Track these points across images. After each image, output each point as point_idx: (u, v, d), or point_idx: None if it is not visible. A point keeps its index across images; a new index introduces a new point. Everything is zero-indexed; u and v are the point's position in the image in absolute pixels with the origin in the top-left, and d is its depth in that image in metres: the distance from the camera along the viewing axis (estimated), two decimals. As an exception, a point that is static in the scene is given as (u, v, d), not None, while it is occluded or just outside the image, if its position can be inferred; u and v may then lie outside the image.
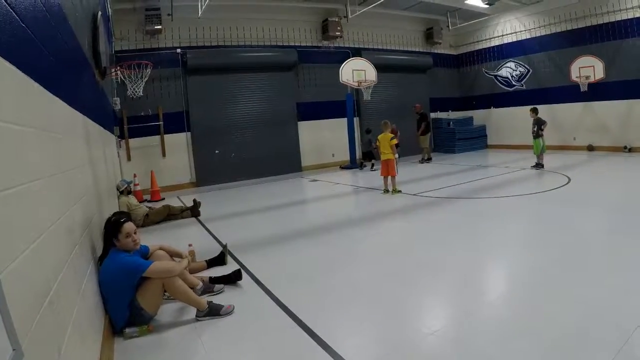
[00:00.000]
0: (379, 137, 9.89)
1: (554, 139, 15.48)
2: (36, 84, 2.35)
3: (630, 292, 3.73)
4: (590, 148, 15.35)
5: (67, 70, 3.59)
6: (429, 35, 19.27)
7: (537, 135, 11.64)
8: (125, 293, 3.76)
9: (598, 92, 14.87)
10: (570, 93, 15.59)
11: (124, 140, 12.95)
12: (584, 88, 14.92)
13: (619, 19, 14.41)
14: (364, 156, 15.59)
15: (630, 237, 5.35)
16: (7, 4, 1.81)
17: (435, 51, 19.77)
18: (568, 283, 4.09)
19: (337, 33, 16.20)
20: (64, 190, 2.91)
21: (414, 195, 9.37)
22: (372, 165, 14.80)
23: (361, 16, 15.80)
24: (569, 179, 9.68)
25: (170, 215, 8.86)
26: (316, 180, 12.87)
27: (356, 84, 15.04)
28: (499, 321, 3.54)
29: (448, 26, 18.81)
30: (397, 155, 9.64)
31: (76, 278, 2.85)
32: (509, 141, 17.95)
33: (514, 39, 17.96)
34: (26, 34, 2.16)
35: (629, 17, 14.13)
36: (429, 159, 15.80)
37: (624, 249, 4.94)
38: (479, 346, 3.15)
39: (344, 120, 15.85)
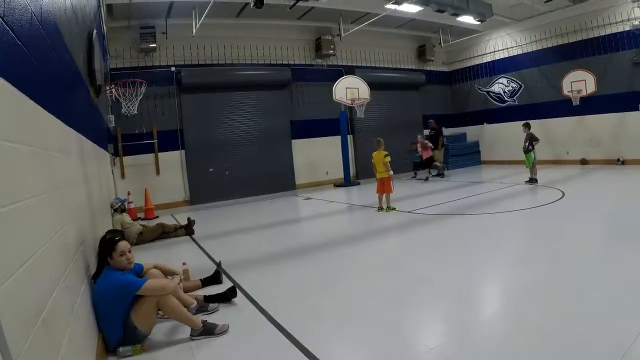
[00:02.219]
0: (374, 154, 9.83)
1: (548, 153, 15.60)
2: (31, 101, 2.35)
3: (627, 304, 3.73)
4: (584, 162, 15.47)
5: (62, 87, 3.59)
6: (422, 53, 19.46)
7: (528, 150, 11.71)
8: (119, 311, 3.72)
9: (590, 105, 15.05)
10: (563, 107, 15.76)
11: (118, 158, 12.91)
12: (576, 102, 15.08)
13: (609, 32, 14.67)
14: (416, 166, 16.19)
15: (625, 250, 5.37)
16: (4, 21, 1.82)
17: (428, 68, 19.95)
18: (564, 297, 4.08)
19: (330, 51, 16.34)
20: (58, 208, 2.89)
21: (408, 212, 9.36)
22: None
23: (354, 34, 15.95)
24: (563, 193, 9.71)
25: (164, 233, 8.81)
26: (310, 199, 12.85)
27: (350, 101, 15.10)
28: (497, 337, 3.52)
29: (440, 43, 19.00)
30: (391, 172, 9.64)
31: (70, 297, 2.82)
32: (503, 157, 18.04)
33: (506, 55, 18.19)
34: (22, 51, 2.16)
35: (619, 31, 14.38)
36: (443, 174, 15.76)
37: (619, 261, 4.94)
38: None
39: (338, 138, 15.87)
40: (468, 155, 19.06)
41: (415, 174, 15.92)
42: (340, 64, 17.20)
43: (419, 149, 15.38)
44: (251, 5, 10.73)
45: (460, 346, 3.44)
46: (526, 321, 3.69)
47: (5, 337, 1.30)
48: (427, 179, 14.95)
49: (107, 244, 3.92)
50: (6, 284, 1.55)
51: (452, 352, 3.35)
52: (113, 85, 11.53)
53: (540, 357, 3.06)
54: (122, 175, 13.08)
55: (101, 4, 9.39)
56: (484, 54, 19.11)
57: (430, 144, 15.16)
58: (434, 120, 16.61)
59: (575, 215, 7.89)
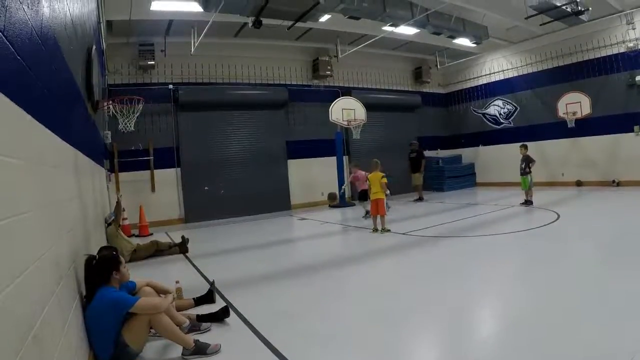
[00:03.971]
0: (370, 176, 9.84)
1: (543, 175, 15.65)
2: (29, 116, 2.35)
3: (624, 325, 3.72)
4: (579, 183, 15.56)
5: (60, 103, 3.60)
6: (418, 75, 19.64)
7: (525, 172, 11.75)
8: (110, 328, 3.68)
9: (585, 127, 15.17)
10: (558, 129, 15.88)
11: (113, 174, 12.88)
12: (571, 124, 15.18)
13: (603, 54, 14.89)
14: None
15: (622, 271, 5.38)
16: (4, 36, 1.83)
17: (424, 90, 20.13)
18: (561, 320, 4.05)
19: (327, 72, 16.47)
20: (52, 223, 2.87)
21: (403, 234, 9.33)
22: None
23: (351, 56, 16.10)
24: (558, 215, 9.73)
25: (157, 251, 8.77)
26: (305, 219, 12.82)
27: (346, 122, 15.16)
28: (490, 361, 3.49)
29: (436, 65, 19.20)
30: (388, 192, 9.64)
31: (61, 312, 2.79)
32: (498, 178, 18.12)
33: (502, 77, 18.39)
34: (21, 66, 2.17)
35: (613, 53, 14.60)
36: (422, 198, 15.62)
37: (616, 282, 4.94)
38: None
39: (334, 159, 15.89)
40: (464, 177, 19.11)
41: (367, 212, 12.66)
42: (337, 84, 17.33)
43: (355, 183, 12.89)
44: (250, 25, 10.85)
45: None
46: (522, 344, 3.67)
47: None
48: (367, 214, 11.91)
49: (114, 260, 3.99)
50: (-2, 298, 1.53)
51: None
52: (111, 101, 11.54)
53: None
54: (118, 191, 13.04)
55: (101, 20, 9.47)
56: (479, 76, 19.31)
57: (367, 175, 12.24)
58: (416, 143, 16.39)
59: (570, 237, 7.93)
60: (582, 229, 8.63)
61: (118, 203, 8.85)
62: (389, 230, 9.55)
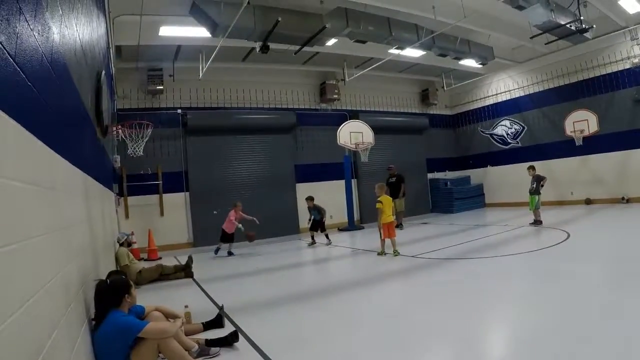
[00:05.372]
0: (382, 199, 9.67)
1: (552, 194, 15.56)
2: (39, 142, 2.37)
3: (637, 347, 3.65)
4: (588, 201, 15.43)
5: (69, 127, 3.64)
6: (425, 97, 19.72)
7: (537, 191, 11.70)
8: (119, 353, 3.66)
9: (593, 145, 15.13)
10: (566, 148, 15.85)
11: (122, 198, 12.95)
12: (579, 142, 15.13)
13: (609, 71, 14.93)
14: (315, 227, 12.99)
15: (632, 290, 5.29)
16: (15, 62, 1.85)
17: (431, 112, 20.19)
18: (573, 342, 3.99)
19: (334, 96, 16.59)
20: (62, 247, 2.88)
21: (412, 257, 9.26)
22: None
23: (358, 79, 16.23)
24: (568, 234, 9.63)
25: (162, 275, 8.74)
26: (314, 243, 12.76)
27: (354, 146, 15.21)
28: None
29: (443, 87, 19.30)
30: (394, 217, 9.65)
31: (70, 336, 2.78)
32: (507, 199, 18.03)
33: (508, 97, 18.43)
34: (32, 92, 2.20)
35: (619, 69, 14.64)
36: (401, 225, 14.72)
37: (626, 302, 4.86)
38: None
39: (342, 182, 15.92)
40: (472, 198, 19.03)
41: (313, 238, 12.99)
42: (345, 108, 17.44)
43: (235, 222, 11.85)
44: (257, 50, 10.99)
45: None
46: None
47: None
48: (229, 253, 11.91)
49: (126, 283, 4.05)
50: (6, 324, 1.54)
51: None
52: (120, 126, 11.68)
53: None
54: (126, 215, 13.11)
55: (110, 46, 9.62)
56: (486, 97, 19.37)
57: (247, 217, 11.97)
58: (394, 167, 15.65)
59: (581, 256, 7.82)
60: (593, 248, 8.53)
61: None
62: (398, 253, 9.48)
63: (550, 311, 5.04)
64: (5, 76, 1.72)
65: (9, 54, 1.77)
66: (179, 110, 14.13)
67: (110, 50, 9.81)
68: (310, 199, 12.87)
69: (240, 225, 11.64)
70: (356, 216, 16.47)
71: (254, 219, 11.80)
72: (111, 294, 3.89)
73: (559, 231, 10.26)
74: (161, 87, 13.49)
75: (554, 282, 6.34)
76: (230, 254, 11.71)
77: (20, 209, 1.93)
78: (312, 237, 12.74)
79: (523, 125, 17.88)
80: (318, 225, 12.72)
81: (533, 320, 4.83)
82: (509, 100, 18.44)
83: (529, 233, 10.94)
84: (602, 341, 3.98)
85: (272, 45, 10.86)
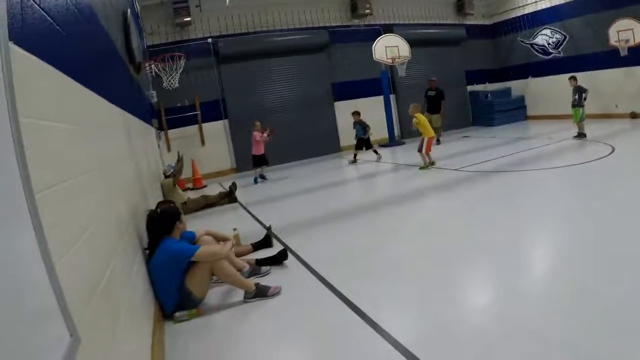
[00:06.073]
0: (418, 116, 9.91)
1: (595, 107, 14.85)
2: (74, 82, 2.44)
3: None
4: (634, 115, 14.69)
5: (103, 67, 3.70)
6: (460, 7, 18.75)
7: (580, 104, 11.24)
8: (174, 278, 3.88)
9: (639, 56, 14.21)
10: (610, 58, 14.87)
11: (163, 132, 13.19)
12: (623, 52, 14.17)
13: (657, -24, 13.73)
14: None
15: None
16: (41, 8, 1.89)
17: (468, 22, 19.26)
18: (616, 258, 3.95)
19: (366, 10, 15.99)
20: (110, 182, 3.02)
21: (454, 170, 9.25)
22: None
23: (390, -9, 15.55)
24: (613, 148, 9.29)
25: (207, 205, 8.92)
26: (355, 161, 12.79)
27: (390, 60, 14.80)
28: (547, 297, 3.48)
29: (479, -5, 18.29)
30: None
31: (126, 265, 2.97)
32: (549, 111, 17.35)
33: (549, 5, 17.28)
34: (61, 35, 2.24)
35: (669, -26, 13.44)
36: (439, 141, 14.51)
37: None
38: (526, 322, 3.11)
39: (381, 98, 15.65)
40: (513, 111, 18.38)
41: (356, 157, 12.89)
42: (378, 22, 16.82)
43: (265, 137, 11.62)
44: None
45: (507, 306, 3.44)
46: (575, 281, 3.62)
47: (67, 307, 1.40)
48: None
49: (176, 211, 4.19)
50: (67, 255, 1.65)
51: (501, 312, 3.36)
52: (152, 62, 11.71)
53: (590, 317, 3.02)
54: (168, 148, 13.38)
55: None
56: (525, 5, 18.22)
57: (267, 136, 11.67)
58: (437, 81, 15.36)
59: (627, 170, 7.58)
60: (639, 162, 8.24)
61: (179, 159, 9.05)
62: (433, 163, 9.77)
63: (594, 224, 4.99)
64: (33, 22, 1.76)
65: (34, 1, 1.80)
66: (210, 40, 13.96)
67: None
68: (356, 113, 12.79)
69: (267, 136, 11.55)
70: (396, 132, 16.32)
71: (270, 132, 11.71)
72: (162, 222, 4.05)
73: (603, 145, 9.91)
74: (189, 19, 13.29)
75: (598, 195, 6.21)
76: (262, 177, 11.71)
77: (64, 149, 2.02)
78: (355, 156, 12.71)
79: (565, 34, 16.86)
80: (362, 143, 12.67)
81: (576, 233, 4.83)
82: (549, 8, 17.25)
83: (573, 146, 10.61)
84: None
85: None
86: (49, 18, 2.00)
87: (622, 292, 3.27)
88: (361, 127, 12.59)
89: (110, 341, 2.06)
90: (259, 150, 11.50)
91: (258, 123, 11.71)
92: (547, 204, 6.15)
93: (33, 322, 1.18)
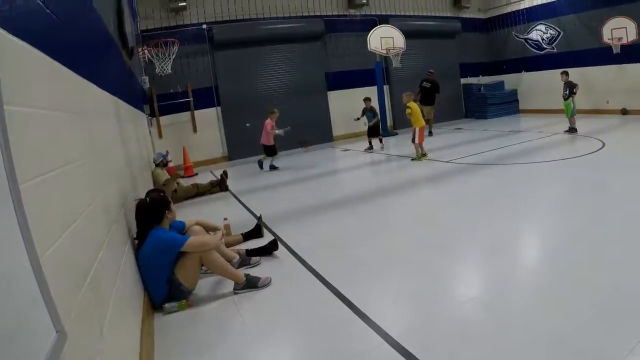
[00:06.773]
0: (411, 105, 9.93)
1: (587, 102, 14.91)
2: (65, 69, 2.38)
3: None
4: (624, 111, 14.76)
5: (95, 53, 3.63)
6: (457, 0, 18.74)
7: (568, 97, 11.31)
8: (163, 269, 3.84)
9: (631, 53, 14.21)
10: (603, 55, 14.92)
11: (154, 118, 13.08)
12: (616, 50, 14.26)
13: (651, -25, 13.73)
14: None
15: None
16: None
17: (464, 16, 19.22)
18: (605, 249, 4.01)
19: (363, 1, 15.90)
20: (99, 171, 2.96)
21: (446, 162, 9.28)
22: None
23: (386, -18, 15.44)
24: (603, 143, 9.35)
25: (198, 194, 8.84)
26: (348, 150, 12.79)
27: (385, 51, 14.74)
28: (536, 287, 3.52)
29: (475, -11, 18.24)
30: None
31: (115, 256, 2.92)
32: (541, 105, 17.40)
33: (544, 1, 17.28)
34: (52, 19, 2.18)
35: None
36: (431, 132, 14.57)
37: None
38: (517, 313, 3.14)
39: (374, 89, 15.59)
40: (506, 104, 18.46)
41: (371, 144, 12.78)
42: (374, 13, 16.72)
43: (276, 131, 11.05)
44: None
45: (498, 297, 3.46)
46: (565, 272, 3.66)
47: (53, 300, 1.35)
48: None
49: (166, 200, 4.10)
50: (53, 247, 1.61)
51: (490, 303, 3.38)
52: (145, 47, 11.57)
53: (581, 307, 3.06)
54: (160, 135, 13.28)
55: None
56: (521, 0, 18.24)
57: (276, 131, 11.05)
58: (434, 73, 15.22)
59: (616, 165, 7.62)
60: (628, 158, 8.26)
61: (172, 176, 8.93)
62: (425, 155, 9.82)
63: (583, 216, 5.06)
64: (20, 5, 1.70)
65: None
66: (204, 26, 13.82)
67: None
68: (368, 99, 12.77)
69: (279, 132, 10.92)
70: (389, 122, 16.29)
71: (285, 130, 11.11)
72: (152, 211, 3.98)
73: (594, 140, 9.95)
74: (184, 4, 13.14)
75: (588, 189, 6.29)
76: (273, 167, 11.28)
77: (53, 137, 1.96)
78: (370, 143, 12.61)
79: (559, 30, 16.86)
80: (373, 130, 12.64)
81: (566, 225, 4.86)
82: (544, 4, 17.23)
83: (564, 141, 10.67)
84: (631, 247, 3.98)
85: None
86: (40, 2, 1.94)
87: (613, 283, 3.31)
88: (372, 115, 12.60)
89: (98, 335, 2.02)
90: (268, 140, 10.95)
91: (276, 111, 11.24)
92: (538, 197, 6.20)
93: (16, 318, 1.13)
